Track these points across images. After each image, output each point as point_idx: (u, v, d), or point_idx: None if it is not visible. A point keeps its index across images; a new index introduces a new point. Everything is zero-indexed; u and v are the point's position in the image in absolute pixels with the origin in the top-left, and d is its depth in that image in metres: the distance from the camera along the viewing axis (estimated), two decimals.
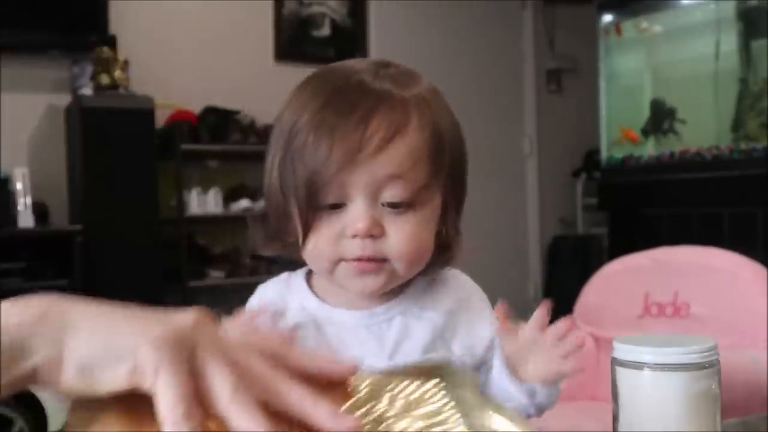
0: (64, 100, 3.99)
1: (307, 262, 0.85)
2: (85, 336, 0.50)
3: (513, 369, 0.83)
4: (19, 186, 3.68)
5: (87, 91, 3.89)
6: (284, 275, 0.91)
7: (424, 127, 0.81)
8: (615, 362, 0.72)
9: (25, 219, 3.68)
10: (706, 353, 0.69)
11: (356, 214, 0.80)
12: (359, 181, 0.79)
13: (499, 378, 0.84)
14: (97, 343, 0.50)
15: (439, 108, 0.84)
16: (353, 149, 0.78)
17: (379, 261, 0.81)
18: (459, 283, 0.90)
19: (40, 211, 3.78)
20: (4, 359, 0.49)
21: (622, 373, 0.72)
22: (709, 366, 0.70)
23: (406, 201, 0.80)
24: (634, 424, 0.71)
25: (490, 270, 4.83)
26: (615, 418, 0.73)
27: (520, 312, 0.89)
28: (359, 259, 0.80)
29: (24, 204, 3.69)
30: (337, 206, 0.80)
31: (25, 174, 3.70)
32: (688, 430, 0.69)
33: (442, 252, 0.86)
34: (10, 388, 0.50)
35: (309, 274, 0.90)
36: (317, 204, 0.80)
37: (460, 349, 0.86)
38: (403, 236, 0.80)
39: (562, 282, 4.93)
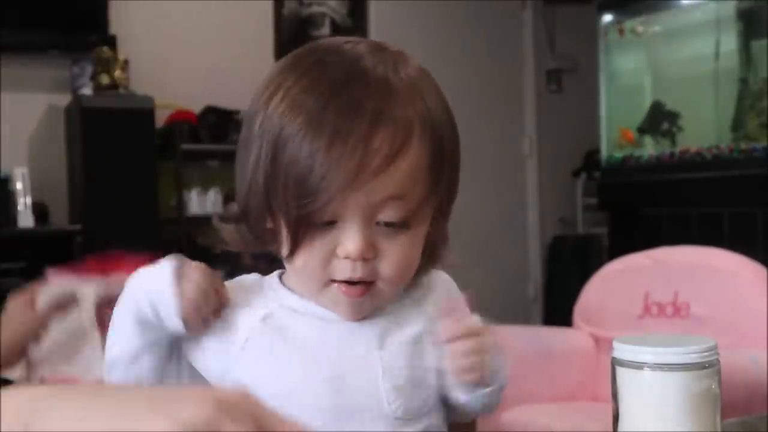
0: (64, 100, 3.99)
1: (293, 275, 0.80)
2: None
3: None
4: (19, 186, 3.68)
5: (87, 91, 3.89)
6: (255, 275, 0.86)
7: (426, 139, 0.75)
8: (615, 362, 0.72)
9: (25, 219, 3.68)
10: (706, 353, 0.69)
11: (350, 235, 0.74)
12: (356, 202, 0.73)
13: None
14: None
15: (437, 103, 0.78)
16: (352, 171, 0.71)
17: (367, 284, 0.76)
18: (441, 284, 0.85)
19: (40, 211, 3.78)
20: None
21: (622, 373, 0.72)
22: (709, 366, 0.70)
23: (403, 221, 0.75)
24: (634, 424, 0.71)
25: (490, 270, 4.84)
26: (615, 418, 0.73)
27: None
28: (348, 282, 0.76)
29: (24, 204, 3.68)
30: (330, 223, 0.74)
31: (25, 174, 3.70)
32: (688, 430, 0.69)
33: (429, 258, 0.81)
34: None
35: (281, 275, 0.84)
36: (308, 221, 0.74)
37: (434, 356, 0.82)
38: (397, 258, 0.76)
39: (562, 282, 4.93)
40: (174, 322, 0.76)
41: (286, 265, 0.79)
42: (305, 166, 0.71)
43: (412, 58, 0.80)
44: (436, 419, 0.80)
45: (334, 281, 0.76)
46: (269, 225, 0.78)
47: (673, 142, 4.05)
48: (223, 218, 0.85)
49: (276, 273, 0.84)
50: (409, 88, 0.75)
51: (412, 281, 0.82)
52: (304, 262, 0.76)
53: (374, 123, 0.72)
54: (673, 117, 4.08)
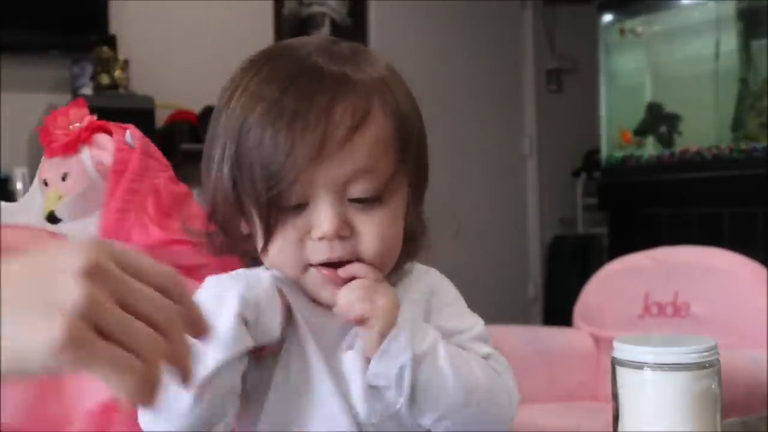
0: (64, 99, 3.98)
1: (270, 266, 0.77)
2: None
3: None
4: (19, 186, 3.68)
5: (87, 91, 3.89)
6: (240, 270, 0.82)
7: (387, 111, 0.75)
8: (615, 362, 0.72)
9: None
10: (706, 353, 0.69)
11: (322, 215, 0.73)
12: (324, 178, 0.72)
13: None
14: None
15: (400, 89, 0.78)
16: (316, 144, 0.71)
17: (350, 263, 0.74)
18: (425, 276, 0.83)
19: None
20: None
21: (622, 373, 0.72)
22: (709, 366, 0.70)
23: (375, 195, 0.74)
24: (634, 424, 0.71)
25: (490, 270, 4.84)
26: (615, 418, 0.73)
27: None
28: (327, 265, 0.74)
29: None
30: (300, 206, 0.73)
31: (25, 174, 3.70)
32: (688, 430, 0.69)
33: (409, 246, 0.80)
34: None
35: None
36: (278, 205, 0.73)
37: None
38: (374, 234, 0.74)
39: (562, 282, 4.93)
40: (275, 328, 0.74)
41: (264, 261, 0.78)
42: (269, 147, 0.71)
43: (375, 54, 0.81)
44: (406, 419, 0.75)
45: (311, 266, 0.74)
46: (241, 223, 0.77)
47: (671, 145, 4.05)
48: (187, 229, 0.85)
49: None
50: (362, 75, 0.75)
51: (394, 270, 0.79)
52: (278, 249, 0.74)
53: (334, 96, 0.72)
54: (670, 119, 4.07)
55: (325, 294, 0.76)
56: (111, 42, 3.96)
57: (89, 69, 3.93)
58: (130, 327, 0.48)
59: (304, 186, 0.72)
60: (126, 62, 3.95)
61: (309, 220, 0.73)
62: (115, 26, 4.06)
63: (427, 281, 0.82)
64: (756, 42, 3.72)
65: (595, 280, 2.75)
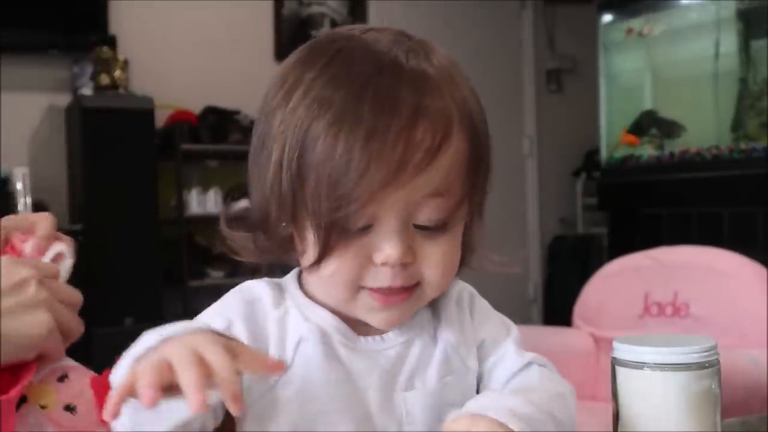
0: (64, 100, 3.99)
1: (317, 285, 0.72)
2: None
3: None
4: (19, 186, 3.68)
5: (87, 91, 3.89)
6: (268, 280, 0.77)
7: (463, 127, 0.69)
8: (615, 362, 0.72)
9: None
10: (706, 353, 0.69)
11: (388, 240, 0.67)
12: (396, 202, 0.66)
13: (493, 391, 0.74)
14: None
15: (474, 98, 0.73)
16: (394, 167, 0.64)
17: (409, 289, 0.70)
18: (457, 289, 0.79)
19: (40, 211, 3.78)
20: None
21: (622, 372, 0.72)
22: (709, 366, 0.70)
23: (442, 222, 0.69)
24: (634, 424, 0.71)
25: (490, 270, 4.84)
26: (615, 418, 0.73)
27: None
28: (387, 289, 0.69)
29: (24, 204, 3.68)
30: (364, 229, 0.67)
31: (25, 174, 3.70)
32: (688, 430, 0.69)
33: (461, 262, 0.74)
34: None
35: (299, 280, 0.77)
36: (340, 226, 0.66)
37: (474, 363, 0.76)
38: (437, 262, 0.69)
39: (562, 282, 4.93)
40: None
41: (308, 273, 0.72)
42: (340, 165, 0.64)
43: (439, 47, 0.75)
44: None
45: (364, 287, 0.69)
46: (290, 231, 0.71)
47: (662, 149, 4.05)
48: (232, 224, 0.76)
49: (293, 275, 0.77)
50: (444, 78, 0.69)
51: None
52: (334, 271, 0.68)
53: (414, 114, 0.65)
54: (665, 125, 4.07)
55: (374, 317, 0.71)
56: (111, 42, 3.96)
57: (89, 69, 3.93)
58: None
59: (372, 208, 0.66)
60: (126, 62, 3.95)
61: (372, 243, 0.67)
62: (115, 26, 4.06)
63: (457, 289, 0.79)
64: (756, 42, 3.72)
65: (595, 280, 2.75)
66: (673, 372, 0.69)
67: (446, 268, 0.71)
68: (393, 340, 0.74)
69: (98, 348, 3.71)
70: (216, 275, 4.17)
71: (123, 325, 3.71)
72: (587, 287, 2.75)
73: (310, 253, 0.69)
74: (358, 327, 0.73)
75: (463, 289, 0.80)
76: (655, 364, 0.69)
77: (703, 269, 2.48)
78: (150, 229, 3.88)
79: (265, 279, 0.77)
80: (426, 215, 0.68)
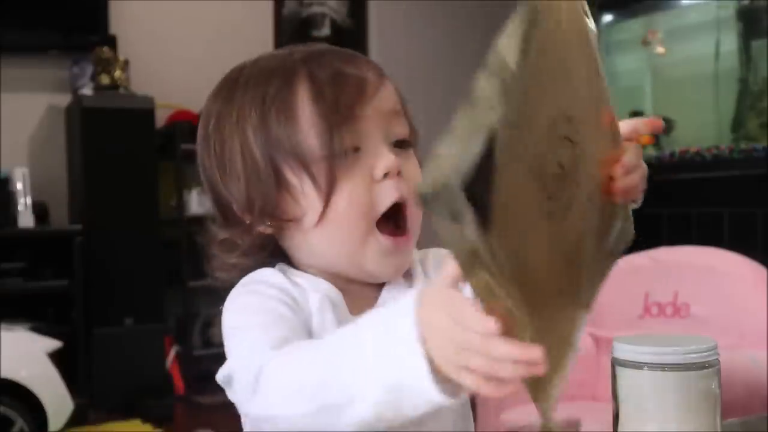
0: (64, 100, 3.99)
1: (325, 243, 0.74)
2: None
3: None
4: (19, 186, 3.68)
5: (87, 91, 3.89)
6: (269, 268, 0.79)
7: (384, 73, 0.79)
8: (615, 362, 0.72)
9: (25, 219, 3.68)
10: (706, 353, 0.69)
11: (379, 153, 0.74)
12: (372, 119, 0.74)
13: None
14: None
15: None
16: (359, 86, 0.74)
17: (407, 232, 0.75)
18: (420, 255, 0.83)
19: (40, 211, 3.78)
20: None
21: (622, 372, 0.72)
22: (709, 366, 0.70)
23: (409, 138, 0.77)
24: (634, 424, 0.71)
25: None
26: (615, 418, 0.73)
27: None
28: (393, 233, 0.74)
29: (24, 204, 3.69)
30: (355, 151, 0.74)
31: (25, 174, 3.70)
32: (688, 430, 0.69)
33: None
34: None
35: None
36: (333, 151, 0.72)
37: None
38: (416, 175, 0.75)
39: None
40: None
41: (316, 234, 0.75)
42: (316, 94, 0.73)
43: None
44: None
45: (374, 236, 0.73)
46: (284, 201, 0.75)
47: (661, 149, 4.04)
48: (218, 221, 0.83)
49: (279, 265, 0.79)
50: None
51: None
52: (349, 196, 0.73)
53: (352, 57, 0.78)
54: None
55: (383, 264, 0.75)
56: (111, 42, 3.96)
57: (89, 69, 3.93)
58: None
59: (356, 126, 0.73)
60: (126, 62, 3.95)
61: (367, 163, 0.74)
62: (115, 26, 4.06)
63: (419, 256, 0.83)
64: (756, 42, 3.72)
65: None
66: (673, 372, 0.69)
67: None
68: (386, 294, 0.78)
69: (98, 348, 3.73)
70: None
71: (123, 325, 3.71)
72: None
73: (315, 203, 0.73)
74: (351, 305, 0.76)
75: (426, 252, 0.83)
76: (655, 364, 0.69)
77: (703, 269, 2.49)
78: (150, 229, 3.88)
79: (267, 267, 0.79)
80: (396, 130, 0.76)
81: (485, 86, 0.51)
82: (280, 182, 0.74)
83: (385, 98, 0.76)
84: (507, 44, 0.52)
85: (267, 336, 0.68)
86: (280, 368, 0.64)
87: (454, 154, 0.49)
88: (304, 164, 0.73)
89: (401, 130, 0.76)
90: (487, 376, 0.52)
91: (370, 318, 0.60)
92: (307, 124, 0.73)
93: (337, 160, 0.72)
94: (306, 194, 0.74)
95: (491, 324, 0.51)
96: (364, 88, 0.74)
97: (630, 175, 0.67)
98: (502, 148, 0.50)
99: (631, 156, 0.67)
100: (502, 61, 0.52)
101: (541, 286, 0.57)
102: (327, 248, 0.76)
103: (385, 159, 0.73)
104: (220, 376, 0.71)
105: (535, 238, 0.57)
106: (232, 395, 0.71)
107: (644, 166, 0.69)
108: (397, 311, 0.57)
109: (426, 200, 0.50)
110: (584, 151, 0.61)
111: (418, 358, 0.54)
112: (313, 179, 0.73)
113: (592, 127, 0.64)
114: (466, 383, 0.53)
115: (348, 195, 0.73)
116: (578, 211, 0.61)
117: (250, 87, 0.76)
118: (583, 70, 0.63)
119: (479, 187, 0.49)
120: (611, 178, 0.66)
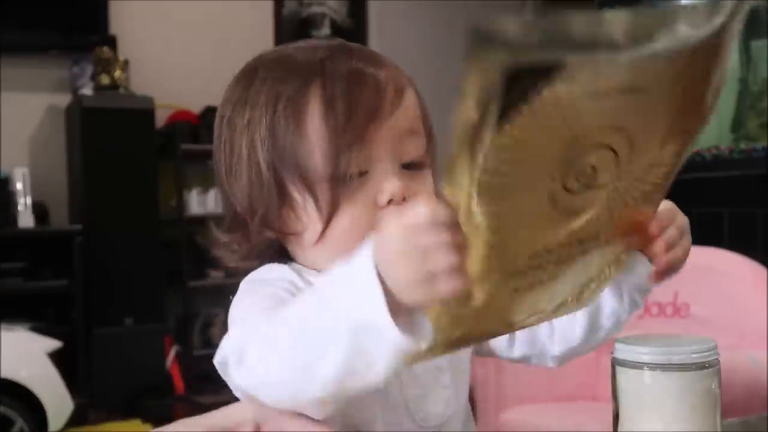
0: (64, 100, 3.99)
1: (328, 254, 0.71)
2: None
3: None
4: (19, 186, 3.68)
5: (87, 91, 3.90)
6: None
7: (408, 79, 0.76)
8: (615, 362, 0.72)
9: (25, 219, 3.68)
10: (706, 353, 0.69)
11: (386, 178, 0.71)
12: (383, 142, 0.70)
13: None
14: None
15: None
16: (373, 105, 0.70)
17: None
18: None
19: (40, 211, 3.79)
20: None
21: (622, 372, 0.71)
22: (709, 366, 0.70)
23: (422, 159, 0.73)
24: (634, 424, 0.71)
25: None
26: (615, 418, 0.73)
27: None
28: None
29: (24, 204, 3.69)
30: (361, 175, 0.70)
31: (25, 174, 3.70)
32: (688, 430, 0.69)
33: None
34: None
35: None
36: (339, 174, 0.69)
37: None
38: (425, 197, 0.70)
39: None
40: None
41: (313, 250, 0.73)
42: (325, 110, 0.69)
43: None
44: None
45: None
46: (285, 213, 0.73)
47: None
48: (223, 226, 0.80)
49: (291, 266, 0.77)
50: (379, 54, 0.78)
51: None
52: (350, 219, 0.70)
53: (376, 67, 0.73)
54: None
55: None
56: (111, 42, 3.97)
57: (89, 69, 3.93)
58: None
59: (364, 150, 0.70)
60: (126, 62, 3.95)
61: (372, 187, 0.71)
62: (115, 26, 4.06)
63: None
64: (756, 42, 3.72)
65: None
66: (673, 372, 0.69)
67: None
68: None
69: (98, 348, 3.73)
70: (216, 275, 4.17)
71: (123, 325, 3.71)
72: None
73: (315, 222, 0.71)
74: None
75: None
76: (655, 364, 0.69)
77: (703, 269, 2.48)
78: (150, 229, 3.88)
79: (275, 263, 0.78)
80: (409, 153, 0.72)
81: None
82: (283, 196, 0.72)
83: (402, 117, 0.72)
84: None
85: (265, 316, 0.66)
86: (259, 335, 0.63)
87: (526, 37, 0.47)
88: (307, 183, 0.70)
89: (415, 151, 0.73)
90: (448, 271, 0.52)
91: (333, 269, 0.59)
92: (315, 136, 0.69)
93: (342, 182, 0.70)
94: (308, 212, 0.72)
95: (441, 210, 0.52)
96: (380, 106, 0.70)
97: (673, 251, 0.71)
98: (554, 102, 0.49)
99: (673, 233, 0.70)
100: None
101: (512, 230, 0.55)
102: (326, 266, 0.72)
103: (390, 185, 0.70)
104: (217, 358, 0.68)
105: (528, 207, 0.55)
106: (227, 378, 0.69)
107: (689, 239, 0.72)
108: (356, 256, 0.56)
109: (480, 45, 0.48)
110: (621, 170, 0.58)
111: (374, 291, 0.53)
112: (316, 200, 0.70)
113: (642, 157, 0.60)
114: (435, 293, 0.52)
115: (349, 219, 0.71)
116: (585, 223, 0.59)
117: (267, 82, 0.73)
118: (675, 107, 0.60)
119: (525, 88, 0.48)
120: (644, 234, 0.69)
